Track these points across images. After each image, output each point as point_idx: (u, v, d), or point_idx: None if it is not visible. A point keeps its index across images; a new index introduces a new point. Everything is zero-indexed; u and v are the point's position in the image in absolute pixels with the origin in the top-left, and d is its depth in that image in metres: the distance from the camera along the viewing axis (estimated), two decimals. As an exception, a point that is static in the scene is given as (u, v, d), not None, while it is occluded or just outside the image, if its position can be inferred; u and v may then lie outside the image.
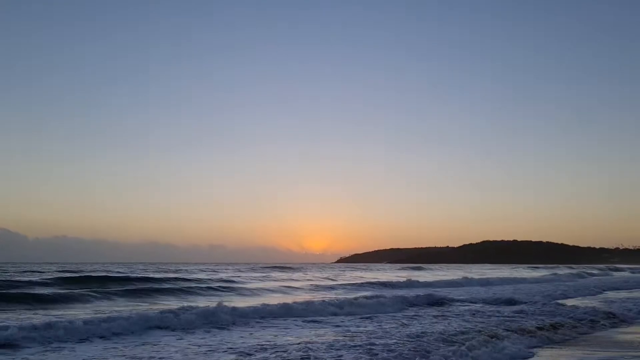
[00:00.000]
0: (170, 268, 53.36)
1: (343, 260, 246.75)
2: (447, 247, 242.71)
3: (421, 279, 34.43)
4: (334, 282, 29.74)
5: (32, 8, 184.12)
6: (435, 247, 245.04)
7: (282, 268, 57.76)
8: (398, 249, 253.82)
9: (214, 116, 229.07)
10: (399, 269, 63.68)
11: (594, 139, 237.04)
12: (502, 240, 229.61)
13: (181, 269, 47.16)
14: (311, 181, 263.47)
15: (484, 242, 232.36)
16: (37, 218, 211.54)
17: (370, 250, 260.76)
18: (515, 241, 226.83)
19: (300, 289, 24.36)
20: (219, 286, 23.57)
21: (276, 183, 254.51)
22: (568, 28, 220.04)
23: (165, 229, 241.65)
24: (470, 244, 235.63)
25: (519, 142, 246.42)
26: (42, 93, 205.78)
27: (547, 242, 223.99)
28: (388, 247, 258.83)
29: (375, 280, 31.18)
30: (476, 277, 38.23)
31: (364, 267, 69.29)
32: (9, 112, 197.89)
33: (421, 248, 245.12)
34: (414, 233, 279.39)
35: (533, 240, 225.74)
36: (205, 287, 22.73)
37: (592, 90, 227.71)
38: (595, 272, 58.55)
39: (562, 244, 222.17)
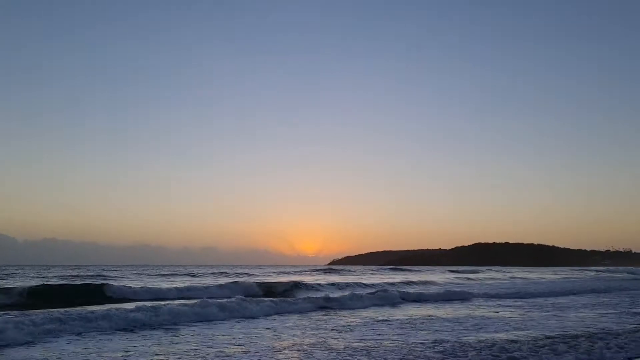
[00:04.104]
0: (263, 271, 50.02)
1: (336, 262, 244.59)
2: (440, 249, 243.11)
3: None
4: (481, 285, 27.36)
5: (31, 8, 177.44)
6: (427, 249, 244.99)
7: (328, 271, 55.75)
8: (390, 251, 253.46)
9: (208, 119, 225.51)
10: (447, 272, 62.00)
11: (585, 143, 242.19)
12: (493, 243, 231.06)
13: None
14: (302, 184, 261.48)
15: (476, 244, 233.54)
16: (27, 220, 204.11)
17: (363, 252, 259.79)
18: (507, 243, 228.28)
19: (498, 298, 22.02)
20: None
21: (268, 186, 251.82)
22: (538, 27, 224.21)
23: (156, 231, 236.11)
24: (463, 246, 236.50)
25: (511, 145, 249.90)
26: (32, 95, 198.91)
27: (539, 245, 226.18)
28: (380, 249, 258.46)
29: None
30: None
31: (417, 270, 67.34)
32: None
33: (414, 250, 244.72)
34: (405, 235, 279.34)
35: (524, 242, 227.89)
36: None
37: (590, 90, 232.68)
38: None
39: (553, 246, 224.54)
